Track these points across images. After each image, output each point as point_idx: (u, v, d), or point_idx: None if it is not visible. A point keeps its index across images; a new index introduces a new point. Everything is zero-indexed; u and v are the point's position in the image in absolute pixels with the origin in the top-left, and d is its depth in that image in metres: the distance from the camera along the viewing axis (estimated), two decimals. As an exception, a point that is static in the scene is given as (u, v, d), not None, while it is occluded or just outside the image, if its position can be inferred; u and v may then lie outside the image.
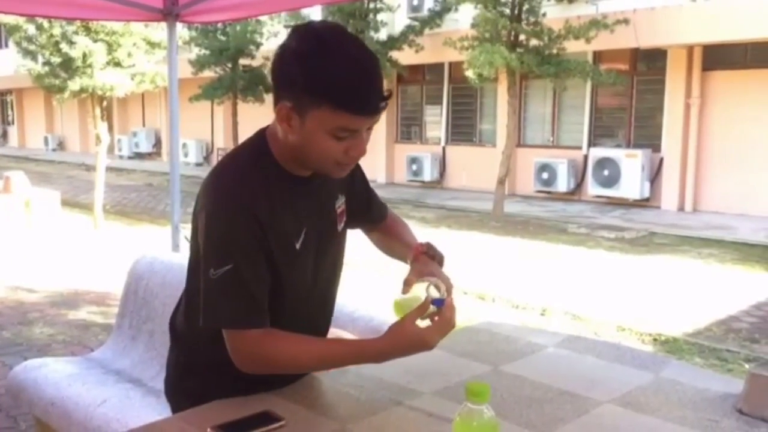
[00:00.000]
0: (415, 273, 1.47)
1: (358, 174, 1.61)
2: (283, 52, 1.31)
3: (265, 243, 1.35)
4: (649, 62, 11.97)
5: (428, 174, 14.41)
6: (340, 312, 2.17)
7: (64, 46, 8.54)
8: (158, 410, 2.32)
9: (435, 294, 1.37)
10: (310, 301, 1.52)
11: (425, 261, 1.53)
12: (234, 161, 1.44)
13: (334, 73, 1.26)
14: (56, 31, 8.59)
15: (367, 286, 5.74)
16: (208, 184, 1.40)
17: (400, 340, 1.34)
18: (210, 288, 1.34)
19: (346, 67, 1.26)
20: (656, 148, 11.67)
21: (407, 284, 1.44)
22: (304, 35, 1.31)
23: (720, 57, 10.96)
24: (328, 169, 1.39)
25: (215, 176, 1.40)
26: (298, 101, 1.29)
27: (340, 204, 1.55)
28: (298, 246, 1.42)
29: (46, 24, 8.66)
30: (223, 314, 1.35)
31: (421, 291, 1.42)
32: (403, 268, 1.56)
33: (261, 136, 1.44)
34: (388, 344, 1.36)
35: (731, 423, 1.37)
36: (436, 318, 1.36)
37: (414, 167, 14.55)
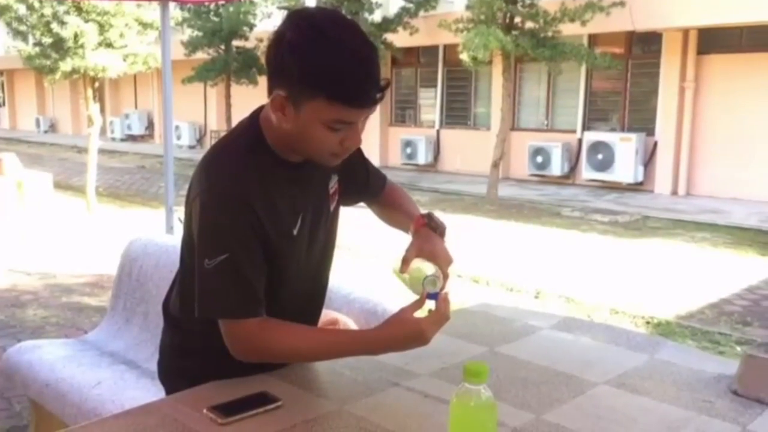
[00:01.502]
0: (414, 249, 1.45)
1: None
2: (278, 41, 1.28)
3: (261, 231, 1.34)
4: (644, 45, 11.94)
5: (422, 157, 14.39)
6: (336, 294, 2.17)
7: (55, 26, 8.44)
8: (153, 392, 2.32)
9: (432, 289, 1.37)
10: (303, 282, 1.52)
11: (426, 234, 1.50)
12: (228, 148, 1.41)
13: (330, 66, 1.23)
14: (47, 11, 8.49)
15: (363, 268, 5.75)
16: (201, 171, 1.38)
17: (398, 331, 1.34)
18: (205, 278, 1.33)
19: (342, 59, 1.24)
20: (650, 132, 11.68)
21: (405, 262, 1.43)
22: (299, 24, 1.28)
23: (715, 40, 10.94)
24: (323, 159, 1.38)
25: (209, 163, 1.38)
26: (293, 92, 1.27)
27: (333, 184, 1.54)
28: (295, 232, 1.42)
29: (36, 4, 8.55)
30: (218, 304, 1.35)
31: (420, 263, 1.41)
32: (403, 239, 1.55)
33: (254, 121, 1.42)
34: (386, 335, 1.35)
35: (726, 404, 1.38)
36: (431, 311, 1.35)
37: (408, 150, 14.52)
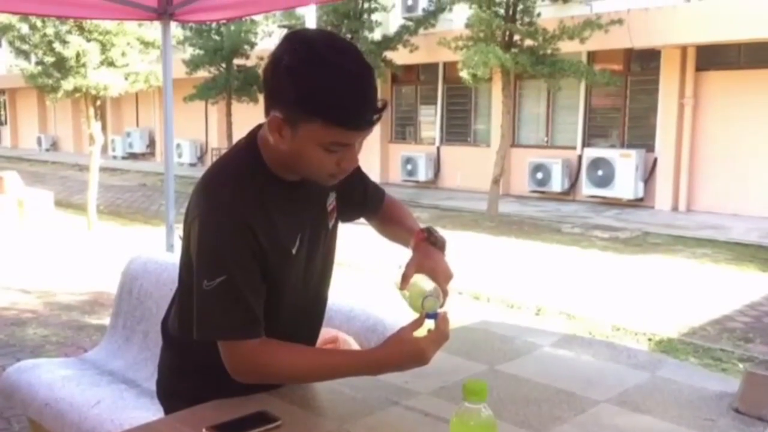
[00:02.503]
0: (414, 265, 1.45)
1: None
2: (275, 63, 1.28)
3: (259, 252, 1.34)
4: (643, 62, 12.01)
5: (423, 174, 14.42)
6: (336, 311, 2.16)
7: (57, 46, 8.50)
8: (152, 411, 2.30)
9: (431, 308, 1.36)
10: (302, 300, 1.52)
11: (426, 249, 1.50)
12: (226, 169, 1.41)
13: (326, 89, 1.24)
14: (49, 30, 8.55)
15: (363, 284, 5.73)
16: (200, 192, 1.37)
17: (397, 350, 1.33)
18: (204, 300, 1.32)
19: (338, 82, 1.24)
20: (650, 148, 11.70)
21: (405, 279, 1.42)
22: (296, 47, 1.28)
23: (713, 57, 11.00)
24: (320, 179, 1.38)
25: (207, 184, 1.38)
26: (290, 114, 1.27)
27: (331, 201, 1.54)
28: (293, 250, 1.42)
29: (39, 23, 8.62)
30: (217, 326, 1.34)
31: (420, 280, 1.41)
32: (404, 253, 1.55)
33: (252, 141, 1.42)
34: (386, 354, 1.34)
35: (727, 422, 1.37)
36: (431, 330, 1.34)
37: (409, 167, 14.55)
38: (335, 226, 1.58)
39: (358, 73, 1.27)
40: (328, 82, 1.24)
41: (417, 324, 1.33)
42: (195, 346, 1.45)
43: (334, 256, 1.61)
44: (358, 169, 1.58)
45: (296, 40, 1.30)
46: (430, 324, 1.35)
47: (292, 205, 1.42)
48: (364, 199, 1.67)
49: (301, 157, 1.32)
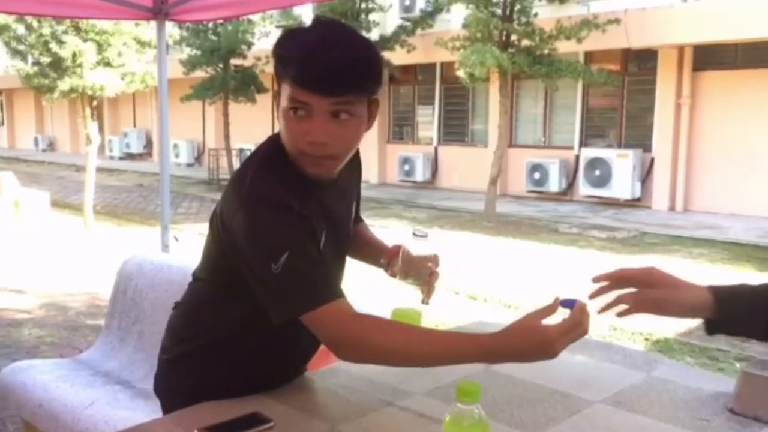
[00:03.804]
0: (402, 265, 1.52)
1: (359, 179, 1.62)
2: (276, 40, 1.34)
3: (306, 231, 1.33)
4: (640, 62, 12.02)
5: (420, 174, 14.42)
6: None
7: (53, 46, 8.48)
8: (147, 412, 2.29)
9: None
10: None
11: (408, 255, 1.55)
12: (256, 169, 1.38)
13: (294, 46, 1.27)
14: (45, 30, 8.53)
15: (362, 293, 5.73)
16: (236, 187, 1.35)
17: (523, 340, 1.19)
18: (277, 282, 1.26)
19: (308, 42, 1.27)
20: (647, 148, 11.71)
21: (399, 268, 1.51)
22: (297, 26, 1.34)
23: (710, 57, 11.01)
24: (300, 161, 1.34)
25: (243, 179, 1.35)
26: (277, 83, 1.32)
27: (353, 209, 1.57)
28: (321, 247, 1.38)
29: (35, 23, 8.60)
30: (299, 300, 1.27)
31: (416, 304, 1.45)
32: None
33: (278, 137, 1.40)
34: (509, 343, 1.20)
35: (723, 422, 1.37)
36: (565, 319, 1.19)
37: (406, 167, 14.55)
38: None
39: (326, 38, 1.27)
40: (297, 41, 1.28)
41: (547, 311, 1.21)
42: (201, 341, 1.49)
43: None
44: (360, 179, 1.62)
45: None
46: (563, 313, 1.20)
47: (320, 201, 1.40)
48: (356, 214, 1.66)
49: (282, 129, 1.33)
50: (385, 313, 1.47)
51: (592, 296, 1.26)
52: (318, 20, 1.34)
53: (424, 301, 1.55)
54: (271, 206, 1.29)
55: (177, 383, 1.55)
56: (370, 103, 1.35)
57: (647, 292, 1.21)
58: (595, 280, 1.26)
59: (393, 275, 1.60)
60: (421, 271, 1.56)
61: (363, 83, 1.29)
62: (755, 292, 1.17)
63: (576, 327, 1.18)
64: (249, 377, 1.47)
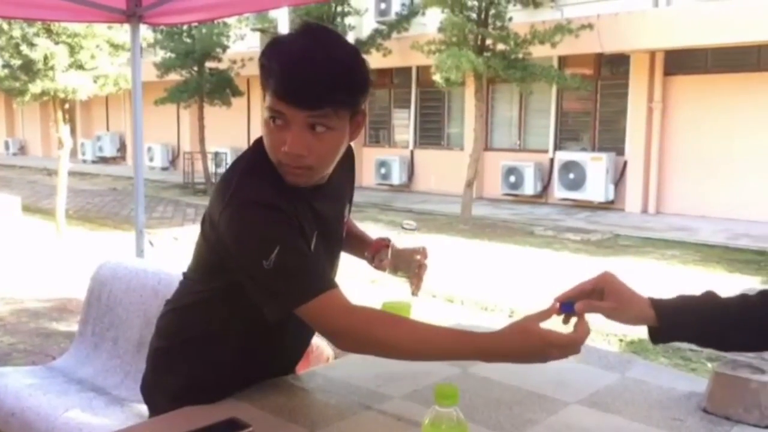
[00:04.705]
0: (392, 259, 1.57)
1: (352, 180, 1.63)
2: None
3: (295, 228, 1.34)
4: (613, 67, 12.17)
5: (397, 177, 14.44)
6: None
7: (24, 48, 8.35)
8: (122, 419, 2.27)
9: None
10: None
11: (396, 249, 1.59)
12: (243, 170, 1.38)
13: (277, 57, 1.27)
14: (16, 32, 8.39)
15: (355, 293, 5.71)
16: (223, 188, 1.35)
17: (519, 342, 1.21)
18: (269, 278, 1.27)
19: (289, 53, 1.27)
20: (620, 151, 11.87)
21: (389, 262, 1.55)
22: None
23: (681, 62, 11.19)
24: (280, 170, 1.34)
25: (230, 180, 1.36)
26: (263, 88, 1.32)
27: (347, 214, 1.58)
28: (311, 247, 1.39)
29: (5, 26, 8.46)
30: (292, 293, 1.28)
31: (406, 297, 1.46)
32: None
33: (262, 146, 1.41)
34: (504, 343, 1.23)
35: (696, 421, 1.39)
36: (567, 333, 1.21)
37: (382, 171, 14.56)
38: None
39: (308, 50, 1.27)
40: (279, 51, 1.28)
41: (545, 314, 1.24)
42: (189, 342, 1.49)
43: None
44: (354, 176, 1.64)
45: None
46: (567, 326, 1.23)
47: (310, 205, 1.40)
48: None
49: (264, 137, 1.34)
50: (375, 305, 1.48)
51: (565, 321, 1.29)
52: (306, 27, 1.33)
53: (414, 293, 1.58)
54: (257, 205, 1.30)
55: (161, 383, 1.56)
56: (356, 114, 1.34)
57: (597, 304, 1.26)
58: (558, 300, 1.28)
59: (382, 269, 1.62)
60: (410, 264, 1.59)
61: (341, 98, 1.28)
62: (693, 303, 1.29)
63: (573, 343, 1.21)
64: (233, 378, 1.47)
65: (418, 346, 1.27)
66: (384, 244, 1.65)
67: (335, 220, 1.51)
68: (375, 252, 1.66)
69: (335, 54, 1.28)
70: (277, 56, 1.27)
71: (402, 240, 1.61)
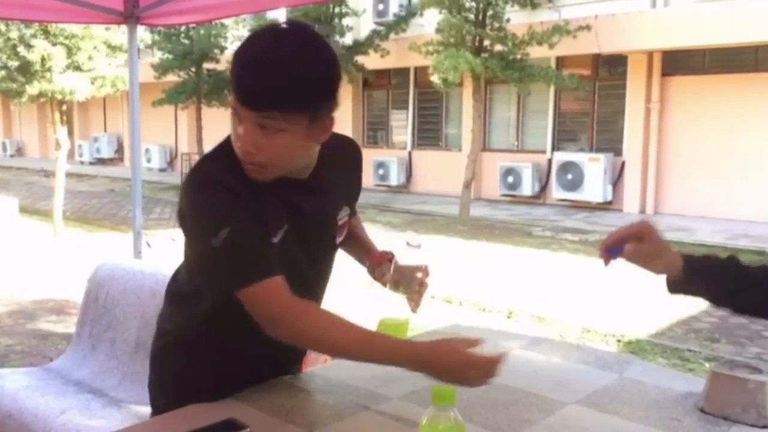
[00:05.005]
0: (394, 274, 1.59)
1: (360, 180, 1.64)
2: None
3: (250, 215, 1.34)
4: (611, 68, 12.19)
5: (395, 178, 14.44)
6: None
7: (21, 50, 8.35)
8: (119, 420, 2.27)
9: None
10: None
11: (399, 266, 1.61)
12: (213, 154, 1.43)
13: (237, 55, 1.29)
14: (13, 34, 8.39)
15: (352, 299, 5.71)
16: (187, 175, 1.41)
17: (441, 358, 1.27)
18: (216, 256, 1.30)
19: (247, 53, 1.29)
20: (618, 151, 11.88)
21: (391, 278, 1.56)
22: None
23: (679, 62, 11.20)
24: (245, 166, 1.35)
25: (191, 171, 1.41)
26: None
27: (343, 216, 1.55)
28: (275, 240, 1.39)
29: (2, 27, 8.45)
30: (233, 275, 1.31)
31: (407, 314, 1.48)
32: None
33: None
34: (429, 357, 1.28)
35: (693, 422, 1.39)
36: (483, 355, 1.26)
37: (380, 172, 14.56)
38: (340, 243, 1.59)
39: (268, 52, 1.28)
40: (243, 51, 1.29)
41: (475, 342, 1.29)
42: (176, 336, 1.51)
43: (330, 273, 1.62)
44: (361, 177, 1.64)
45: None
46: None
47: (282, 196, 1.40)
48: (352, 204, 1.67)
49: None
50: (373, 319, 1.51)
51: (607, 263, 1.42)
52: (284, 25, 1.32)
53: (414, 310, 1.58)
54: (213, 183, 1.33)
55: (158, 379, 1.58)
56: (317, 118, 1.32)
57: (640, 248, 1.37)
58: (605, 247, 1.41)
59: (382, 283, 1.63)
60: (411, 282, 1.59)
61: (288, 103, 1.26)
62: (717, 262, 1.39)
63: (490, 364, 1.25)
64: (232, 377, 1.47)
65: (352, 345, 1.31)
66: (387, 257, 1.65)
67: (318, 218, 1.48)
68: (377, 264, 1.65)
69: (300, 59, 1.27)
70: (237, 56, 1.30)
71: (405, 256, 1.62)
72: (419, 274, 1.60)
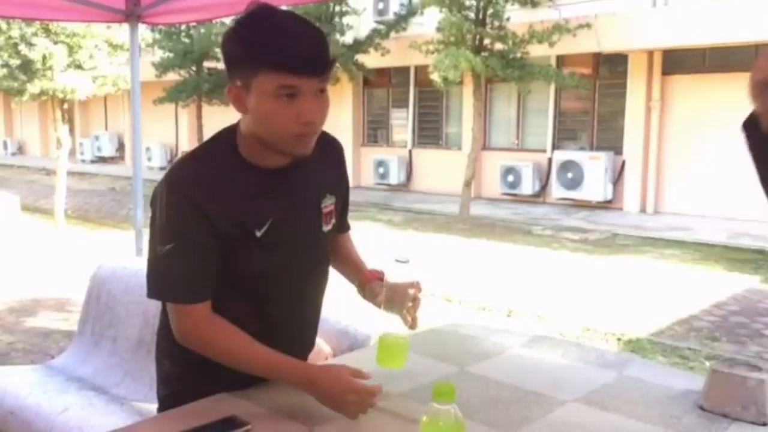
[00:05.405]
0: (387, 293, 1.57)
1: (345, 180, 1.63)
2: (227, 34, 1.36)
3: (212, 230, 1.37)
4: (611, 66, 12.17)
5: (395, 177, 14.44)
6: (323, 324, 2.15)
7: (22, 48, 8.34)
8: (122, 418, 2.28)
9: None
10: (288, 297, 1.52)
11: (390, 286, 1.59)
12: (193, 153, 1.47)
13: (264, 36, 1.30)
14: (15, 32, 8.39)
15: (350, 299, 5.72)
16: (165, 173, 1.45)
17: (328, 384, 1.35)
18: (156, 263, 1.40)
19: (275, 30, 1.31)
20: (618, 150, 11.87)
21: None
22: (240, 17, 1.35)
23: (679, 61, 11.20)
24: (290, 144, 1.36)
25: (172, 167, 1.45)
26: (243, 75, 1.33)
27: (328, 204, 1.55)
28: (258, 233, 1.42)
29: (3, 25, 8.45)
30: (165, 288, 1.41)
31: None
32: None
33: (230, 130, 1.46)
34: (318, 381, 1.36)
35: (693, 419, 1.40)
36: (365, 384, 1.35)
37: (381, 170, 14.56)
38: (331, 232, 1.58)
39: (296, 25, 1.32)
40: (266, 30, 1.31)
41: (362, 375, 1.37)
42: (177, 351, 1.49)
43: (329, 264, 1.63)
44: (348, 186, 1.65)
45: (244, 13, 1.36)
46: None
47: (264, 191, 1.42)
48: (340, 217, 1.65)
49: (263, 118, 1.34)
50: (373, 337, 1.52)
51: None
52: (260, 9, 1.34)
53: (412, 327, 1.57)
54: (178, 196, 1.37)
55: (162, 378, 1.59)
56: None
57: None
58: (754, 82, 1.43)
59: (376, 305, 1.60)
60: (404, 300, 1.57)
61: (332, 62, 1.35)
62: None
63: (370, 393, 1.34)
64: (231, 375, 1.47)
65: (251, 367, 1.42)
66: (377, 276, 1.63)
67: (305, 209, 1.50)
68: (367, 282, 1.63)
69: (311, 24, 1.35)
70: (272, 35, 1.30)
71: (395, 273, 1.59)
72: (411, 291, 1.57)
